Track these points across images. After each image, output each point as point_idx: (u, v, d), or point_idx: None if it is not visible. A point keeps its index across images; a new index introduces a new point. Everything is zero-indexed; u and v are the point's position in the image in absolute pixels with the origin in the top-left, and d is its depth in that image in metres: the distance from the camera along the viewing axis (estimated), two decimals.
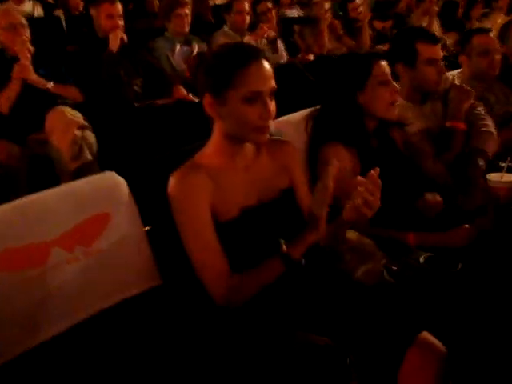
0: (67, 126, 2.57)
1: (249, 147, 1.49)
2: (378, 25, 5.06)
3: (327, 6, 4.24)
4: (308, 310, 1.39)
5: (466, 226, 1.77)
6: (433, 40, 2.20)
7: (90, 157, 2.65)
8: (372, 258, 1.63)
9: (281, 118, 1.97)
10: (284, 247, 1.35)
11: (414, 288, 1.53)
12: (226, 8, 3.95)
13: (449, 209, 1.90)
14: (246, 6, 3.88)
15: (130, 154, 2.68)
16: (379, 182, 1.32)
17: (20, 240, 1.25)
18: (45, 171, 2.60)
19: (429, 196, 1.90)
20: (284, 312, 1.39)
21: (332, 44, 4.20)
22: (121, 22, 3.17)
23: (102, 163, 2.72)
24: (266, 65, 1.38)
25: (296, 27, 4.25)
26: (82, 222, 1.38)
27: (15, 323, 1.22)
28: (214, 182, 1.42)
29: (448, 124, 2.15)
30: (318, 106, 2.02)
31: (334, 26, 4.25)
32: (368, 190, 1.31)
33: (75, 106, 2.84)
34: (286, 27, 4.31)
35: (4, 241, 1.23)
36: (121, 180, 1.48)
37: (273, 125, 1.91)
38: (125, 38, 3.11)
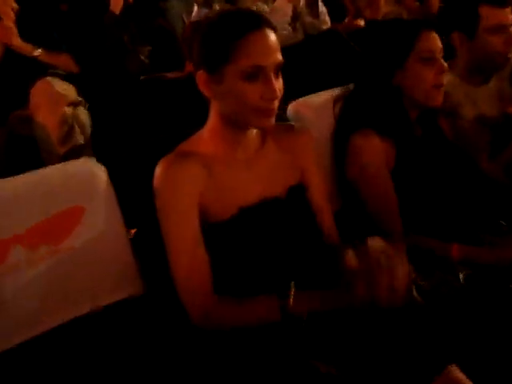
0: (56, 101, 2.68)
1: (252, 135, 1.54)
2: None
3: None
4: (319, 335, 1.43)
5: None
6: (500, 2, 2.16)
7: (81, 140, 2.77)
8: (396, 272, 1.65)
9: (301, 99, 2.02)
10: (291, 300, 1.37)
11: (448, 310, 1.56)
12: None
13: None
14: None
15: (130, 138, 2.76)
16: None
17: None
18: (28, 155, 2.70)
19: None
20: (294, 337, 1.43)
21: (389, 7, 4.19)
22: None
23: (96, 148, 2.82)
24: (270, 35, 1.41)
25: None
26: (51, 217, 1.45)
27: None
28: (208, 173, 1.47)
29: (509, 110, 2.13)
30: (351, 86, 2.05)
31: None
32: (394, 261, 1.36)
33: (68, 78, 2.95)
34: None
35: None
36: (100, 168, 1.55)
37: (290, 108, 2.00)
38: None
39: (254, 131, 1.54)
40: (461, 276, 1.65)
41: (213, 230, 1.47)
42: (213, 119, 1.52)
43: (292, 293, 1.37)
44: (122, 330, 1.53)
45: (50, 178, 1.50)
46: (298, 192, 1.59)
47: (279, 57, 1.42)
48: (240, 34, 1.38)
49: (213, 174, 1.48)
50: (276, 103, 1.43)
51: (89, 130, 2.83)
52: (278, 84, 1.42)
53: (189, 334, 1.46)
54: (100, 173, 1.56)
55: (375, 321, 1.46)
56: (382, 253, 1.69)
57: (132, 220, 1.65)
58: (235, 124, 1.48)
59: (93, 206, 1.52)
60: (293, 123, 1.81)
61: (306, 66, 3.42)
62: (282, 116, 1.79)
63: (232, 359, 1.37)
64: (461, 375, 1.34)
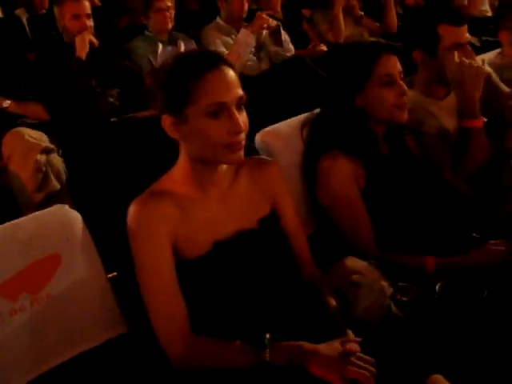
0: (27, 150, 2.68)
1: (223, 171, 1.56)
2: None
3: None
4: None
5: (493, 241, 1.82)
6: (458, 21, 2.22)
7: (57, 185, 2.77)
8: (375, 290, 1.69)
9: (268, 128, 2.07)
10: (267, 353, 1.37)
11: (427, 323, 1.59)
12: None
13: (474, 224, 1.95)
14: None
15: (105, 180, 2.77)
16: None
17: None
18: (4, 204, 2.70)
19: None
20: None
21: (350, 29, 4.26)
22: (89, 23, 3.30)
23: (73, 192, 2.83)
24: (228, 72, 1.45)
25: (305, 12, 4.35)
26: (28, 266, 1.48)
27: None
28: (180, 212, 1.49)
29: (462, 124, 2.17)
30: (317, 110, 2.09)
31: (352, 6, 4.30)
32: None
33: (39, 126, 2.97)
34: (291, 13, 4.41)
35: None
36: (74, 215, 1.58)
37: (258, 138, 2.04)
38: (94, 41, 3.24)
39: (224, 167, 1.56)
40: (437, 287, 1.69)
41: (188, 267, 1.49)
42: (182, 160, 1.54)
43: (268, 346, 1.37)
44: (106, 370, 1.55)
45: (26, 228, 1.53)
46: (270, 222, 1.62)
47: (239, 91, 1.45)
48: (198, 73, 1.42)
49: (185, 212, 1.50)
50: (242, 136, 1.45)
51: (63, 175, 2.82)
52: (242, 117, 1.45)
53: (169, 373, 1.47)
54: (75, 219, 1.59)
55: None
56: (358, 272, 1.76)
57: (111, 264, 1.68)
58: (205, 163, 1.50)
59: (69, 252, 1.55)
60: (262, 156, 1.85)
61: (273, 94, 3.49)
62: (250, 145, 1.83)
63: None
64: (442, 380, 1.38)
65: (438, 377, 1.38)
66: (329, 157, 1.92)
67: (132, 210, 1.48)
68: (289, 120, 2.14)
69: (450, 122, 2.24)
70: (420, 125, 2.18)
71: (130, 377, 1.55)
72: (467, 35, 2.26)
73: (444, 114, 2.26)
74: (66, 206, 1.60)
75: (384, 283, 1.72)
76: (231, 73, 1.46)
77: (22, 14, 4.91)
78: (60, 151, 2.96)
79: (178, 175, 1.55)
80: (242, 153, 1.47)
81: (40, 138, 2.81)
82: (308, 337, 1.42)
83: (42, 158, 2.73)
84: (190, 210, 1.51)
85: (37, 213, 1.59)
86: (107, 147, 3.03)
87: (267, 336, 1.38)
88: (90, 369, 1.55)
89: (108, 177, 2.77)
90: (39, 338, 1.48)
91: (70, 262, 1.55)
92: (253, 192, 1.62)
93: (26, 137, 2.73)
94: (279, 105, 3.13)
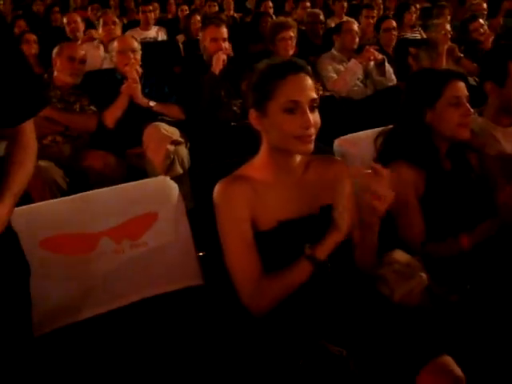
0: (161, 140, 2.92)
1: (296, 162, 1.63)
2: None
3: (448, 27, 4.23)
4: (332, 321, 1.51)
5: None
6: None
7: (180, 170, 2.98)
8: (414, 280, 1.69)
9: (345, 136, 2.11)
10: (308, 249, 1.50)
11: (453, 314, 1.57)
12: (336, 29, 4.15)
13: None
14: (355, 26, 4.06)
15: (221, 170, 2.92)
16: (384, 171, 1.45)
17: (73, 227, 1.55)
18: None
19: None
20: (310, 321, 1.51)
21: (450, 67, 4.16)
22: (225, 45, 3.48)
23: (193, 178, 3.01)
24: (306, 78, 1.52)
25: (412, 49, 4.31)
26: (132, 219, 1.64)
27: (58, 301, 1.50)
28: (255, 193, 1.58)
29: None
30: (391, 126, 2.11)
31: (452, 48, 4.23)
32: (374, 181, 1.44)
33: (176, 124, 3.20)
34: (401, 49, 4.38)
35: (59, 227, 1.53)
36: (172, 184, 1.74)
37: (336, 143, 2.09)
38: (225, 60, 3.41)
39: (298, 159, 1.62)
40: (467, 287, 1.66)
41: (259, 237, 1.57)
42: (263, 149, 1.62)
43: (307, 246, 1.51)
44: (184, 314, 1.67)
45: (133, 190, 1.71)
46: (329, 211, 1.64)
47: (313, 94, 1.51)
48: (280, 75, 1.50)
49: (259, 193, 1.58)
50: (312, 131, 1.50)
51: (187, 164, 3.03)
52: (314, 116, 1.50)
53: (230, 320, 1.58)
54: (172, 188, 1.74)
55: (383, 312, 1.51)
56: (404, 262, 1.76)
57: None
58: (281, 152, 1.57)
59: (165, 212, 1.70)
60: (331, 155, 1.90)
61: (374, 115, 3.49)
62: (321, 147, 1.87)
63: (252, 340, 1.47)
64: (453, 364, 1.36)
65: (447, 358, 1.37)
66: (395, 164, 1.92)
67: (218, 188, 1.58)
68: (365, 131, 2.16)
69: (510, 147, 2.16)
70: (483, 146, 2.13)
71: (199, 320, 1.66)
72: None
73: (508, 141, 2.19)
74: (167, 178, 1.74)
75: (423, 275, 1.72)
76: (308, 79, 1.53)
77: (181, 39, 5.30)
78: (188, 144, 3.17)
79: (258, 162, 1.63)
80: (311, 145, 1.51)
81: (173, 132, 3.04)
82: (356, 317, 1.49)
83: (171, 147, 2.95)
84: (263, 192, 1.59)
85: (144, 180, 1.75)
86: (225, 145, 3.18)
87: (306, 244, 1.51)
88: (165, 309, 1.67)
89: (222, 169, 2.93)
90: (130, 274, 1.63)
91: (165, 220, 1.70)
92: (319, 184, 1.66)
93: (162, 130, 2.96)
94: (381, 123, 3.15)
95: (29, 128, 1.33)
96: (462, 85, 1.93)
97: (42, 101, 1.39)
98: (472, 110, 1.91)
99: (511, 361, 1.41)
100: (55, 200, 1.70)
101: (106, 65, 4.26)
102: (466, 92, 1.93)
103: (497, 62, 2.23)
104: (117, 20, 4.78)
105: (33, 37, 4.34)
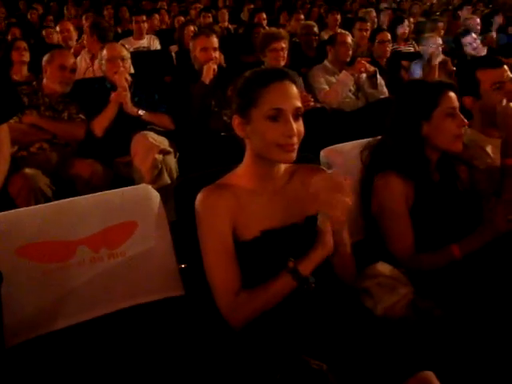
0: (148, 149, 2.89)
1: (280, 171, 1.61)
2: None
3: (440, 41, 4.24)
4: (313, 334, 1.47)
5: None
6: (494, 64, 2.22)
7: (168, 180, 2.95)
8: (398, 293, 1.66)
9: (331, 146, 2.09)
10: (291, 263, 1.47)
11: (436, 329, 1.54)
12: (330, 40, 4.14)
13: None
14: (349, 39, 4.05)
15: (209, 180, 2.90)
16: (339, 180, 1.43)
17: (51, 235, 1.52)
18: None
19: None
20: (290, 334, 1.47)
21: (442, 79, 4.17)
22: (215, 55, 3.47)
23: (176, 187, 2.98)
24: (291, 86, 1.50)
25: (404, 63, 4.31)
26: (111, 227, 1.61)
27: (31, 311, 1.46)
28: (238, 202, 1.56)
29: (507, 162, 2.03)
30: (378, 137, 2.09)
31: (445, 62, 4.23)
32: (330, 190, 1.42)
33: (165, 133, 3.17)
34: (394, 62, 4.38)
35: (36, 234, 1.50)
36: (153, 193, 1.70)
37: (322, 153, 2.07)
38: (216, 69, 3.39)
39: (282, 168, 1.61)
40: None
41: (240, 247, 1.55)
42: (246, 157, 1.60)
43: (290, 260, 1.48)
44: (163, 324, 1.64)
45: (113, 198, 1.67)
46: (315, 221, 1.63)
47: (297, 103, 1.49)
48: (265, 83, 1.48)
49: (242, 202, 1.56)
50: (295, 140, 1.48)
51: (175, 174, 3.01)
52: (297, 125, 1.49)
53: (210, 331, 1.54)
54: (154, 197, 1.71)
55: (366, 326, 1.48)
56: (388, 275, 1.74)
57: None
58: (263, 159, 1.55)
59: (145, 221, 1.67)
60: (316, 165, 1.87)
61: (365, 126, 3.48)
62: (307, 157, 1.85)
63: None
64: (435, 380, 1.33)
65: (429, 374, 1.34)
66: (384, 175, 1.91)
67: (200, 196, 1.56)
68: (351, 142, 2.14)
69: (498, 159, 2.13)
70: (471, 159, 2.10)
71: (178, 332, 1.62)
72: (508, 74, 2.22)
73: (497, 153, 2.15)
74: (148, 186, 1.71)
75: (407, 289, 1.69)
76: (293, 87, 1.51)
77: (174, 49, 5.31)
78: (177, 154, 3.14)
79: (242, 170, 1.61)
80: (293, 154, 1.50)
81: (161, 141, 3.01)
82: (338, 331, 1.46)
83: (159, 157, 2.92)
84: (246, 201, 1.56)
85: (124, 188, 1.72)
86: (215, 155, 3.15)
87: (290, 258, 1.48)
88: (144, 320, 1.64)
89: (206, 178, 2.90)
90: (108, 284, 1.60)
91: (145, 229, 1.66)
92: (303, 193, 1.63)
93: (150, 138, 2.93)
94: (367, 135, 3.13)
95: (3, 133, 1.30)
96: (454, 95, 1.91)
97: (17, 106, 1.36)
98: (466, 121, 1.91)
99: (493, 377, 1.38)
100: (33, 207, 1.67)
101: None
102: (457, 103, 1.92)
103: (467, 76, 2.27)
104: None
105: (23, 44, 4.31)
